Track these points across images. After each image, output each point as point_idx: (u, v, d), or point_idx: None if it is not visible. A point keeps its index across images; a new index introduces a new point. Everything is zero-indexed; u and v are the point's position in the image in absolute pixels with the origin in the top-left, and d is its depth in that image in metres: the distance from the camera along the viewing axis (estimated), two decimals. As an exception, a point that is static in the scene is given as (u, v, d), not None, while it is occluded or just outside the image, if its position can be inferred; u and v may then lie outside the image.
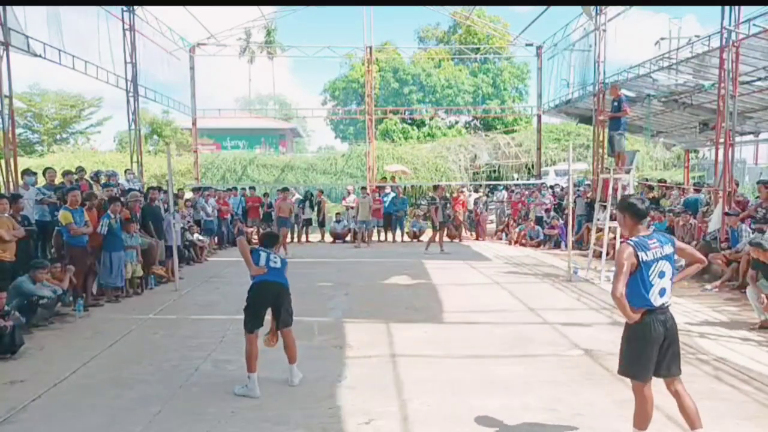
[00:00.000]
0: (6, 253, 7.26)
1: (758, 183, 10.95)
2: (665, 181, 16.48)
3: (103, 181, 11.66)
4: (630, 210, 3.63)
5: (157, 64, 17.52)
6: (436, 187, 16.26)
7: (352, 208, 17.64)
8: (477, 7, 25.88)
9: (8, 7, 10.00)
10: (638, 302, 3.52)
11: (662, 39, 16.73)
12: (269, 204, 16.43)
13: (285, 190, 15.49)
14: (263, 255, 5.08)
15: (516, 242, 16.07)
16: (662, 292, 3.55)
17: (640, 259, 3.48)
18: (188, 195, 16.05)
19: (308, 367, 5.42)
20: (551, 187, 18.98)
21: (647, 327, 3.52)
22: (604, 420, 4.21)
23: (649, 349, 3.53)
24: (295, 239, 17.01)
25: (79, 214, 8.18)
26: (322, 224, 17.78)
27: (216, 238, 14.82)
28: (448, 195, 16.29)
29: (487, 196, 21.77)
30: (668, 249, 3.57)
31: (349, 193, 18.23)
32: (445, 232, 17.07)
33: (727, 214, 9.88)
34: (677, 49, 13.35)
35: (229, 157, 26.40)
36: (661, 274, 3.52)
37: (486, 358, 5.72)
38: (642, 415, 3.66)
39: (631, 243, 3.51)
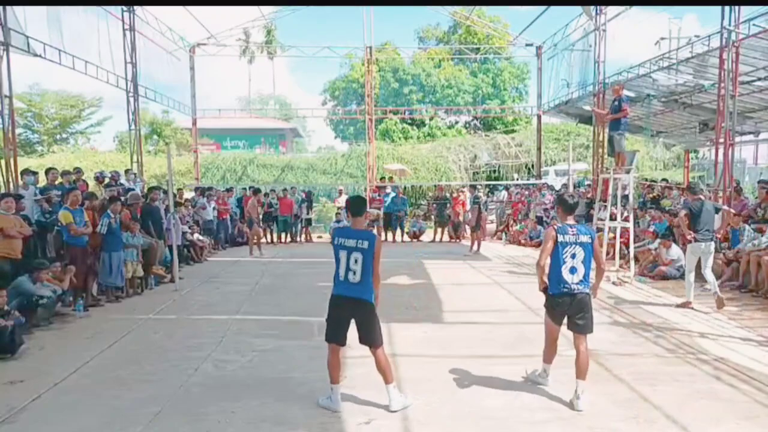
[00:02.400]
0: (13, 251, 7.26)
1: (759, 182, 10.97)
2: (667, 181, 16.46)
3: (106, 182, 11.67)
4: (561, 204, 4.81)
5: (157, 64, 17.51)
6: (472, 187, 16.28)
7: (344, 208, 17.68)
8: (477, 7, 25.88)
9: (8, 7, 10.00)
10: (553, 274, 4.58)
11: (662, 39, 16.74)
12: (269, 204, 16.44)
13: (257, 191, 15.45)
14: (342, 260, 4.49)
15: (514, 242, 16.08)
16: (572, 270, 4.53)
17: (558, 240, 4.53)
18: (187, 195, 16.06)
19: (308, 367, 5.43)
20: (550, 186, 18.96)
21: (555, 297, 4.63)
22: (604, 420, 4.21)
23: (557, 311, 4.67)
24: (296, 239, 17.07)
25: (79, 214, 8.18)
26: (308, 223, 17.79)
27: (211, 240, 14.67)
28: (481, 196, 16.11)
29: (487, 196, 21.74)
30: (585, 239, 4.55)
31: (340, 194, 18.21)
32: (446, 232, 17.14)
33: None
34: (677, 49, 13.36)
35: (229, 157, 26.40)
36: (573, 256, 4.51)
37: (486, 358, 5.72)
38: (548, 351, 4.86)
39: (555, 228, 4.63)
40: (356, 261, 4.39)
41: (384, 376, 4.48)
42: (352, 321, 4.51)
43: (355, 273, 4.40)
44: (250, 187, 18.01)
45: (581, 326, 4.62)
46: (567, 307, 4.58)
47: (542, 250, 4.64)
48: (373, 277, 4.45)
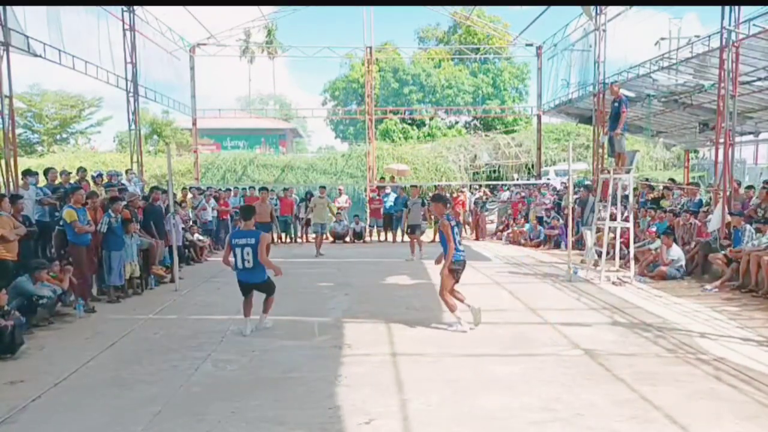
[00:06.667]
0: (9, 253, 7.27)
1: (765, 182, 10.98)
2: (674, 181, 16.42)
3: (105, 182, 11.68)
4: (442, 201, 7.14)
5: (157, 64, 17.53)
6: (414, 187, 15.72)
7: (344, 208, 17.58)
8: (477, 7, 25.89)
9: (8, 7, 10.00)
10: (457, 248, 6.61)
11: (662, 39, 16.75)
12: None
13: (264, 190, 14.87)
14: (238, 254, 6.35)
15: (513, 242, 16.10)
16: (461, 242, 6.74)
17: (452, 225, 6.60)
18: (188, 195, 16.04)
19: (308, 367, 5.43)
20: (549, 185, 18.96)
21: (461, 262, 6.69)
22: (604, 420, 4.21)
23: (460, 272, 6.75)
24: (296, 239, 17.07)
25: (82, 213, 8.20)
26: (307, 223, 17.29)
27: (210, 241, 14.38)
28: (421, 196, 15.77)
29: (487, 196, 21.70)
30: (452, 222, 6.68)
31: (340, 193, 18.18)
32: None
33: (731, 214, 9.89)
34: (677, 49, 13.36)
35: (229, 157, 26.38)
36: (459, 233, 6.75)
37: (486, 357, 5.72)
38: (452, 304, 6.70)
39: (447, 217, 6.67)
40: (248, 253, 6.32)
41: (265, 308, 6.76)
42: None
43: (248, 261, 6.34)
44: (251, 187, 17.97)
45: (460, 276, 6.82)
46: (462, 265, 6.72)
47: (450, 238, 6.56)
48: (262, 260, 6.37)
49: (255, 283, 6.52)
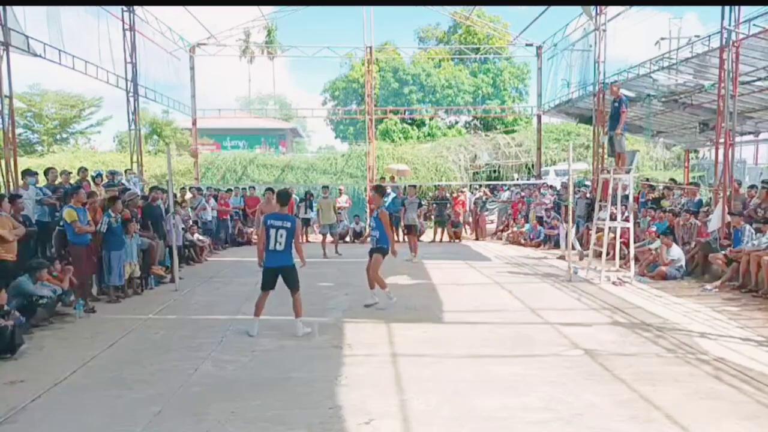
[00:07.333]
0: (8, 253, 7.27)
1: (763, 182, 10.99)
2: (674, 181, 16.41)
3: (105, 181, 11.68)
4: (379, 191, 8.05)
5: (157, 64, 17.52)
6: (411, 187, 15.57)
7: (344, 208, 17.57)
8: (477, 7, 25.87)
9: (8, 7, 10.00)
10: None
11: (662, 39, 16.76)
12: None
13: (270, 190, 14.58)
14: (272, 235, 6.38)
15: (513, 242, 16.09)
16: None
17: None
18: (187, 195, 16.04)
19: (308, 367, 5.43)
20: (550, 186, 18.96)
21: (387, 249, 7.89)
22: (604, 420, 4.21)
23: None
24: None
25: (83, 213, 8.20)
26: (306, 223, 16.86)
27: (210, 241, 14.25)
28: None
29: (487, 196, 21.68)
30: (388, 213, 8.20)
31: (341, 193, 18.16)
32: (445, 232, 17.13)
33: (731, 214, 9.89)
34: (677, 49, 13.37)
35: (229, 157, 26.36)
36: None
37: (486, 358, 5.72)
38: (383, 282, 8.04)
39: (385, 209, 7.92)
40: (281, 235, 6.36)
41: (296, 311, 6.58)
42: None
43: (280, 243, 6.37)
44: (251, 187, 17.94)
45: None
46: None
47: (391, 227, 7.67)
48: (295, 246, 6.56)
49: (281, 266, 6.43)
